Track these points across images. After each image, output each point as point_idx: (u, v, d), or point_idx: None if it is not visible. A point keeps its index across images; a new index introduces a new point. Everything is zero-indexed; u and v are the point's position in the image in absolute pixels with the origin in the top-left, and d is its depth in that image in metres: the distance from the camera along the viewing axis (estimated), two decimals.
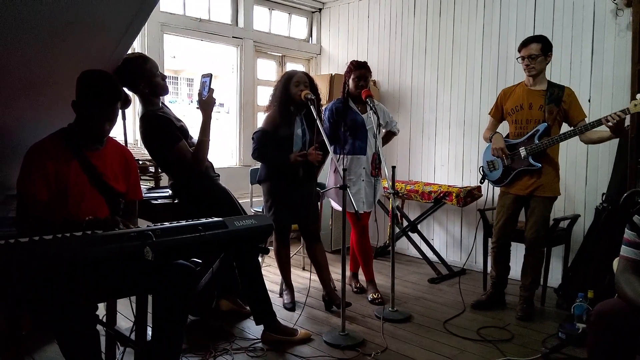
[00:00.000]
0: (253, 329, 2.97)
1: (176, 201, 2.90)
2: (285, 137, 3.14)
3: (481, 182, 3.44)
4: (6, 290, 1.60)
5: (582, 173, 3.80)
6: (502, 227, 3.33)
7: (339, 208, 3.48)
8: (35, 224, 1.87)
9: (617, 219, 3.23)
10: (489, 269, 3.52)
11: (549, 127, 3.10)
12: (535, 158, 3.12)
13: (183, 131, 2.77)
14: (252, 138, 3.22)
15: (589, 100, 3.68)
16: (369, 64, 3.50)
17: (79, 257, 1.51)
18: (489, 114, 3.46)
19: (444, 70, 4.61)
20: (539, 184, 3.15)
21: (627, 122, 3.10)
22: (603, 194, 3.47)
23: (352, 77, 3.45)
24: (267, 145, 3.15)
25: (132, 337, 2.14)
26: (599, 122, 2.88)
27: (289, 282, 3.50)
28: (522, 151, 3.16)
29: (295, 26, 5.66)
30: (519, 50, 3.17)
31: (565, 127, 3.16)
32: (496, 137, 3.26)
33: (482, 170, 3.41)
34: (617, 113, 2.78)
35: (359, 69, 3.44)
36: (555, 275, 3.73)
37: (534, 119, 3.16)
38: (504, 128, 3.43)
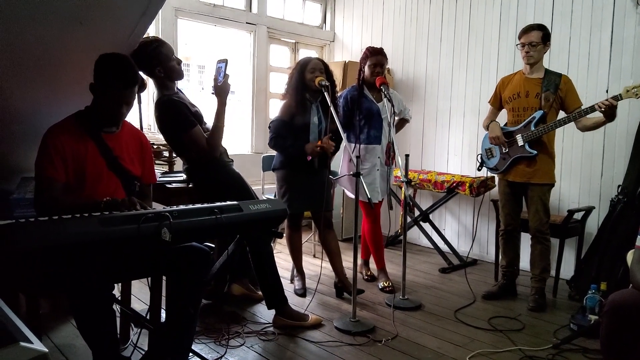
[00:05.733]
0: (264, 314, 3.00)
1: (190, 185, 2.92)
2: (301, 126, 3.13)
3: (479, 169, 3.46)
4: (25, 269, 1.62)
5: (598, 165, 3.75)
6: (507, 213, 3.36)
7: (353, 196, 3.48)
8: (54, 205, 1.89)
9: (633, 209, 3.20)
10: (500, 259, 3.52)
11: (544, 115, 3.10)
12: (532, 145, 3.13)
13: (198, 116, 2.78)
14: (269, 127, 3.22)
15: (607, 91, 3.63)
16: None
17: (98, 236, 1.52)
18: (489, 102, 3.47)
19: (460, 58, 4.56)
20: (535, 171, 3.15)
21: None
22: (619, 185, 3.43)
23: (367, 63, 3.42)
24: (283, 134, 3.15)
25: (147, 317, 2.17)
26: (592, 109, 2.91)
27: (300, 268, 3.52)
28: (519, 138, 3.16)
29: (309, 12, 5.62)
30: (519, 38, 3.17)
31: (562, 115, 3.14)
32: (493, 126, 3.29)
33: (480, 157, 3.43)
34: (609, 100, 2.80)
35: (375, 56, 3.40)
36: (567, 267, 3.71)
37: (530, 106, 3.16)
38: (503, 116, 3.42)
